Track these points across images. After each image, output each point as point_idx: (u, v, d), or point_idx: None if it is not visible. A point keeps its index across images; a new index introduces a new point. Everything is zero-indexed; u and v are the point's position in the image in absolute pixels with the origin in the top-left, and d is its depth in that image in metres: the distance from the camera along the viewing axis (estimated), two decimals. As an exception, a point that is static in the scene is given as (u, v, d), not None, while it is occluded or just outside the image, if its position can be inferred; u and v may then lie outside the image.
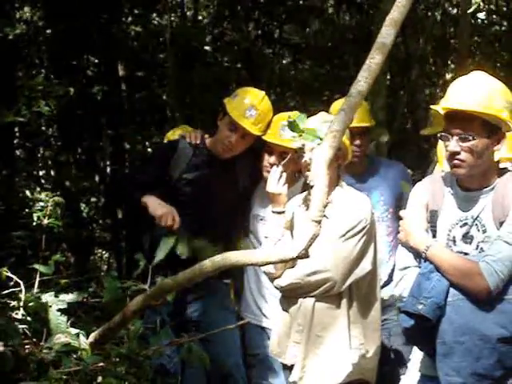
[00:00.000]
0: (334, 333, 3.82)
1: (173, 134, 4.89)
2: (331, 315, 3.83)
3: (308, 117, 3.97)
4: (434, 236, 3.34)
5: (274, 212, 4.02)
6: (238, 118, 4.43)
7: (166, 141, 4.92)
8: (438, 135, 3.30)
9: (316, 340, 3.84)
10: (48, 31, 7.68)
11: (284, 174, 4.08)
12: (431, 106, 3.40)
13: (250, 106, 4.47)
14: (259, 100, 4.52)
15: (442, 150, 4.06)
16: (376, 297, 3.93)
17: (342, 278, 3.79)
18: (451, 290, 3.19)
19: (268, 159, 4.43)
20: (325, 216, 3.68)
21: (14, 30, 6.83)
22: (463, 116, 3.18)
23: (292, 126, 3.39)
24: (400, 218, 3.49)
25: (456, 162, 3.22)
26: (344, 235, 3.79)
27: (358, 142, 4.59)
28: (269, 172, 4.30)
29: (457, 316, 3.16)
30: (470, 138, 3.17)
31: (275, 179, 4.09)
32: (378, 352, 3.92)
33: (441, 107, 3.28)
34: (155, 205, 4.31)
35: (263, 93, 4.61)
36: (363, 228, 3.82)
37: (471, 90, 3.22)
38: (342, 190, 3.91)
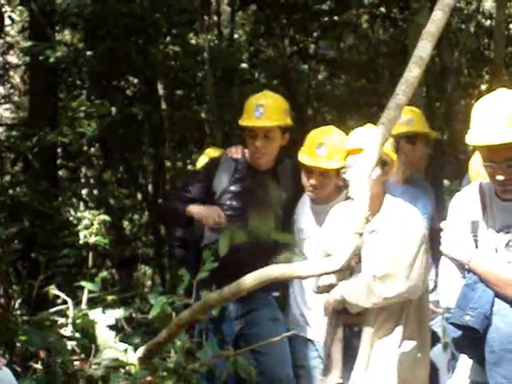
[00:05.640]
0: (387, 341, 3.83)
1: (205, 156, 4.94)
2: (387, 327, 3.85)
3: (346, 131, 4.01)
4: (476, 246, 3.35)
5: None
6: (248, 122, 4.51)
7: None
8: (482, 165, 3.28)
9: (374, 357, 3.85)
10: (88, 53, 7.79)
11: None
12: (467, 142, 3.27)
13: (254, 106, 4.51)
14: (262, 97, 4.59)
15: (474, 163, 4.07)
16: (427, 300, 3.96)
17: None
18: (496, 299, 3.20)
19: (308, 180, 4.40)
20: (374, 231, 3.75)
21: (55, 53, 6.97)
22: (504, 145, 3.16)
23: None
24: (441, 230, 3.50)
25: (509, 187, 3.23)
26: (405, 244, 3.79)
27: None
28: (310, 191, 4.37)
29: (504, 325, 3.17)
30: None
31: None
32: (428, 355, 3.94)
33: (480, 144, 3.22)
34: (199, 209, 4.42)
35: (263, 91, 4.72)
36: (422, 236, 3.83)
37: (503, 119, 3.16)
38: (391, 201, 3.91)
